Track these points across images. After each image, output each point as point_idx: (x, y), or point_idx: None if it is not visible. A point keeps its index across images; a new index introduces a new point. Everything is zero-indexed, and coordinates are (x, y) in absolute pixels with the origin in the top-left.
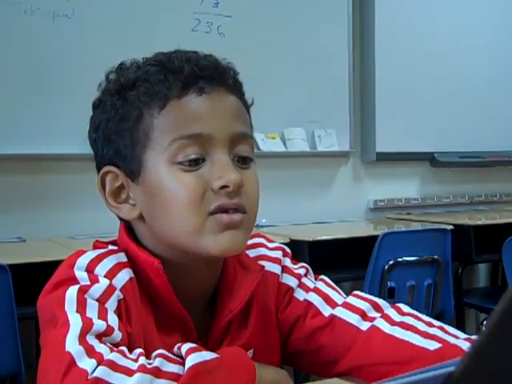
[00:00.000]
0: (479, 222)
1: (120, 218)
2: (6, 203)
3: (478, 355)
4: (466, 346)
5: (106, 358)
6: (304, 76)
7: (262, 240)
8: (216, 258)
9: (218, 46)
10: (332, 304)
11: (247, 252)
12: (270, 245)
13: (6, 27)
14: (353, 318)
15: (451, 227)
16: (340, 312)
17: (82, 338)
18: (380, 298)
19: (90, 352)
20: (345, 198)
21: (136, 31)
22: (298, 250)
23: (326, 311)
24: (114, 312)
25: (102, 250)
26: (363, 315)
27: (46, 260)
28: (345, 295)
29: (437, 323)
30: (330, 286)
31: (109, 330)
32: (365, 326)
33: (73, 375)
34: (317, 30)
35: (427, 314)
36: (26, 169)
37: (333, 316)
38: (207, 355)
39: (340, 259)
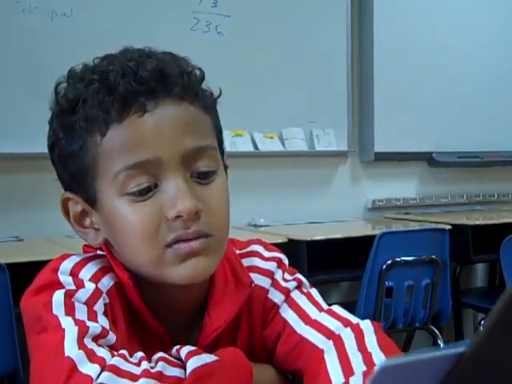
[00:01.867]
0: (477, 222)
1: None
2: (3, 202)
3: (476, 355)
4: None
5: (108, 362)
6: (302, 76)
7: (258, 248)
8: (183, 285)
9: (217, 46)
10: (305, 319)
11: (242, 261)
12: (266, 254)
13: (5, 26)
14: (318, 340)
15: (449, 227)
16: (308, 332)
17: (80, 342)
18: (378, 297)
19: (92, 356)
20: (343, 197)
21: (134, 30)
22: (296, 249)
23: (299, 328)
24: (103, 314)
25: (89, 255)
26: (330, 335)
27: (43, 259)
28: (325, 307)
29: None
30: (312, 300)
31: (103, 332)
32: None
33: (76, 381)
34: (315, 29)
35: (425, 314)
36: (24, 168)
37: (301, 337)
38: (207, 358)
39: (338, 259)
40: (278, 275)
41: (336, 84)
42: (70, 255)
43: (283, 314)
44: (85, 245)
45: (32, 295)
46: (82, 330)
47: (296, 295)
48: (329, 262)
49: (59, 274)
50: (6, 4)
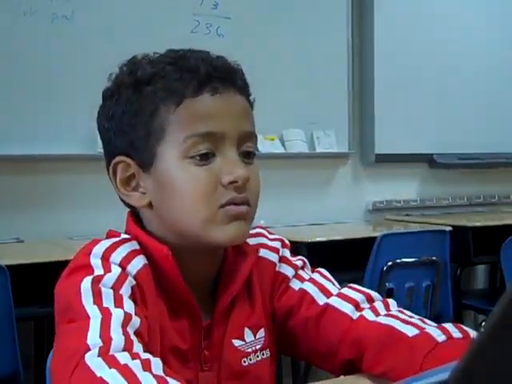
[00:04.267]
0: (478, 224)
1: (128, 206)
2: (4, 204)
3: (476, 357)
4: (437, 333)
5: (121, 362)
6: (303, 77)
7: (262, 231)
8: (222, 247)
9: (217, 48)
10: (327, 294)
11: (247, 240)
12: (270, 235)
13: (6, 28)
14: (347, 308)
15: (450, 228)
16: (335, 301)
17: (103, 331)
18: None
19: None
20: (344, 199)
21: (135, 32)
22: (297, 251)
23: (321, 300)
24: (129, 298)
25: (116, 239)
26: (356, 306)
27: (44, 261)
28: (339, 287)
29: (417, 316)
30: (325, 277)
31: (127, 317)
32: (356, 315)
33: (85, 368)
34: (316, 31)
35: (425, 316)
36: (25, 169)
37: (327, 305)
38: None
39: (338, 260)
40: (286, 253)
41: (337, 86)
42: (99, 240)
43: (300, 286)
44: (109, 230)
45: (65, 278)
46: (106, 319)
47: (307, 273)
48: (329, 264)
49: (91, 257)
50: (8, 6)
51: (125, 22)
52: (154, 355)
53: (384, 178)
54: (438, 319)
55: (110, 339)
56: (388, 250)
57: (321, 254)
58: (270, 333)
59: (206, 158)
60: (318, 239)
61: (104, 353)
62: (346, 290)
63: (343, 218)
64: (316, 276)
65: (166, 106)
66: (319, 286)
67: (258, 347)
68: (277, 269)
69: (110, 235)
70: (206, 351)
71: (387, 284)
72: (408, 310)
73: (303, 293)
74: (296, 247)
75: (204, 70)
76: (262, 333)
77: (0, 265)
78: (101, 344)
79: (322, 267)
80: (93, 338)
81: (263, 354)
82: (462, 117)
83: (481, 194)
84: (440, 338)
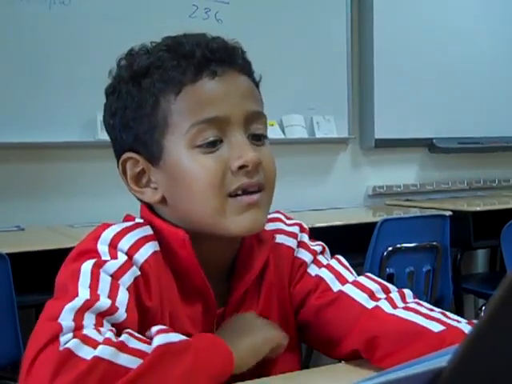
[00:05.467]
0: (478, 208)
1: (143, 202)
2: (4, 192)
3: (477, 340)
4: (467, 329)
5: (82, 332)
6: (302, 62)
7: (280, 215)
8: (238, 237)
9: (216, 33)
10: (342, 281)
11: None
12: (288, 221)
13: (2, 15)
14: (360, 297)
15: (450, 213)
16: (349, 289)
17: (78, 314)
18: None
19: (78, 330)
20: (344, 184)
21: (133, 18)
22: None
23: (336, 287)
24: (128, 289)
25: (128, 224)
26: (371, 295)
27: (45, 248)
28: (357, 275)
29: (438, 309)
30: (343, 264)
31: (112, 309)
32: (370, 305)
33: (54, 348)
34: (315, 16)
35: (426, 300)
36: (25, 157)
37: (341, 292)
38: (175, 337)
39: (339, 246)
40: (304, 238)
41: (336, 70)
42: (109, 225)
43: (317, 273)
44: (127, 214)
45: (71, 261)
46: (87, 304)
47: (327, 258)
48: (329, 250)
49: (99, 242)
50: None
51: (123, 7)
52: None
53: (384, 163)
54: (439, 304)
55: (82, 326)
56: (388, 235)
57: (321, 240)
58: (286, 322)
59: (213, 145)
60: (318, 225)
61: (77, 335)
62: (361, 279)
63: (343, 203)
64: (333, 262)
65: (165, 96)
66: (335, 273)
67: None
68: (295, 254)
69: (125, 219)
70: None
71: (387, 269)
72: None
73: (319, 279)
74: None
75: (200, 54)
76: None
77: (1, 253)
78: (72, 327)
79: None
80: (66, 318)
81: None
82: (462, 101)
83: (481, 178)
84: None
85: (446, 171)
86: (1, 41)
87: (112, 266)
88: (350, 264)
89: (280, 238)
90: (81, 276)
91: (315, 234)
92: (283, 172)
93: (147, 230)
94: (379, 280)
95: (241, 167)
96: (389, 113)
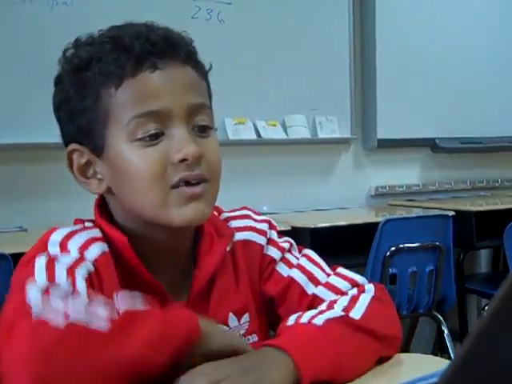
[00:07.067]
0: (481, 208)
1: (92, 193)
2: (6, 192)
3: (479, 340)
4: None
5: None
6: (305, 63)
7: (249, 212)
8: (182, 229)
9: (219, 34)
10: (315, 282)
11: (234, 222)
12: (257, 217)
13: (6, 15)
14: (331, 298)
15: (453, 213)
16: (321, 292)
17: (44, 294)
18: (382, 284)
19: (47, 307)
20: (346, 184)
21: (135, 18)
22: (300, 237)
23: (310, 289)
24: (84, 279)
25: (76, 227)
26: (341, 295)
27: None
28: (329, 270)
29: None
30: (313, 262)
31: (75, 293)
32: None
33: (26, 325)
34: (317, 16)
35: (429, 300)
36: (27, 158)
37: (314, 296)
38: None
39: (341, 246)
40: (273, 235)
41: (338, 71)
42: (57, 228)
43: (289, 273)
44: (76, 219)
45: (23, 266)
46: (49, 287)
47: (295, 255)
48: (332, 250)
49: (49, 244)
50: None
51: (125, 7)
52: None
53: (386, 163)
54: (442, 304)
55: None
56: (391, 235)
57: (324, 240)
58: (258, 317)
59: (154, 137)
60: (321, 225)
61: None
62: (332, 279)
63: (346, 203)
64: (304, 261)
65: (106, 90)
66: (308, 274)
67: (241, 332)
68: (264, 251)
69: (74, 223)
70: None
71: (390, 269)
72: (412, 294)
73: (291, 280)
74: (299, 233)
75: (139, 47)
76: (246, 318)
77: (3, 253)
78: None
79: (325, 253)
80: (33, 297)
81: (248, 340)
82: (464, 101)
83: (484, 178)
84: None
85: (448, 171)
86: (2, 41)
87: (66, 259)
88: (352, 265)
89: (250, 236)
90: (36, 272)
91: (318, 234)
92: (285, 172)
93: (95, 233)
94: (350, 275)
95: (181, 160)
96: (391, 113)
